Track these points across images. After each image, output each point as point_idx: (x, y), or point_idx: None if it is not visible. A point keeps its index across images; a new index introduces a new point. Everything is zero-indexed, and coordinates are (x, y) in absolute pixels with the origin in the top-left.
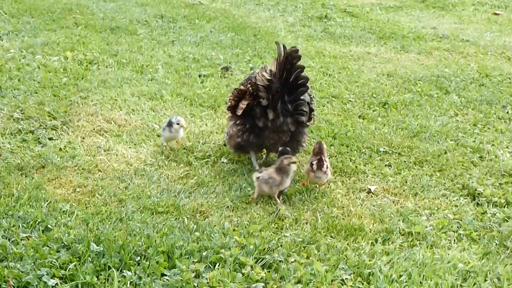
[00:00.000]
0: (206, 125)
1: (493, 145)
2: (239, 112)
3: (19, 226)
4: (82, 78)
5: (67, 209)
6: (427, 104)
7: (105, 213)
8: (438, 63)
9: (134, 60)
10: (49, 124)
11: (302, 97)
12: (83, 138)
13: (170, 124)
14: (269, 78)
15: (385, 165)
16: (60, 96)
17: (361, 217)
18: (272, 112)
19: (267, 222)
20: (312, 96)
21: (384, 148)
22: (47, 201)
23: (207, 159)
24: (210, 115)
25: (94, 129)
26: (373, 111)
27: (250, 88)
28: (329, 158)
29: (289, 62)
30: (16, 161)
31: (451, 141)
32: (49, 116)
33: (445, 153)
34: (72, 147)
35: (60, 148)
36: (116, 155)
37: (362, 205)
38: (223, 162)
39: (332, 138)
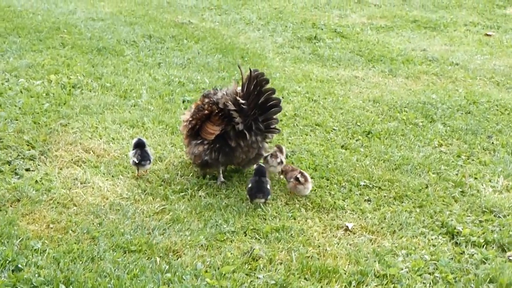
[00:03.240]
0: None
1: (475, 178)
2: (211, 137)
3: None
4: (64, 104)
5: (38, 247)
6: (411, 133)
7: (77, 251)
8: (426, 89)
9: (119, 84)
10: (27, 154)
11: (274, 116)
12: (61, 169)
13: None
14: (243, 101)
15: (365, 200)
16: (40, 123)
17: (337, 257)
18: (247, 133)
19: (241, 263)
20: None
21: (364, 182)
22: (19, 238)
23: (184, 193)
24: None
25: (72, 159)
26: (356, 140)
27: (219, 112)
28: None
29: (258, 84)
30: None
31: (433, 174)
32: (27, 145)
33: (426, 187)
34: (49, 179)
35: (36, 181)
36: (92, 188)
37: (338, 244)
38: (200, 196)
39: (313, 170)
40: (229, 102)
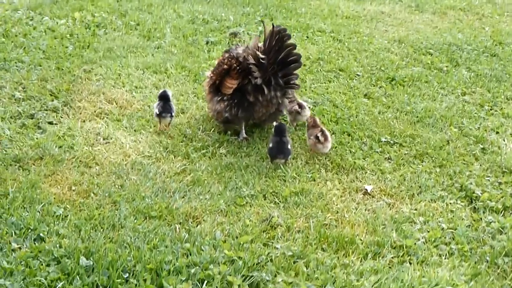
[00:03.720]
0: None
1: (497, 132)
2: (229, 91)
3: (12, 233)
4: (88, 47)
5: (60, 213)
6: (435, 80)
7: (98, 218)
8: (452, 27)
9: (143, 22)
10: (50, 106)
11: (294, 72)
12: (84, 121)
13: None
14: (263, 56)
15: (385, 159)
16: (64, 69)
17: (355, 224)
18: (266, 88)
19: (259, 231)
20: None
21: (385, 138)
22: (41, 203)
23: (205, 150)
24: None
25: (95, 111)
26: (379, 87)
27: (237, 66)
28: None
29: (279, 40)
30: (14, 151)
31: (455, 128)
32: (51, 95)
33: (448, 143)
34: (71, 135)
35: (59, 136)
36: (115, 144)
37: (356, 210)
38: (221, 154)
39: (334, 123)
40: (249, 56)
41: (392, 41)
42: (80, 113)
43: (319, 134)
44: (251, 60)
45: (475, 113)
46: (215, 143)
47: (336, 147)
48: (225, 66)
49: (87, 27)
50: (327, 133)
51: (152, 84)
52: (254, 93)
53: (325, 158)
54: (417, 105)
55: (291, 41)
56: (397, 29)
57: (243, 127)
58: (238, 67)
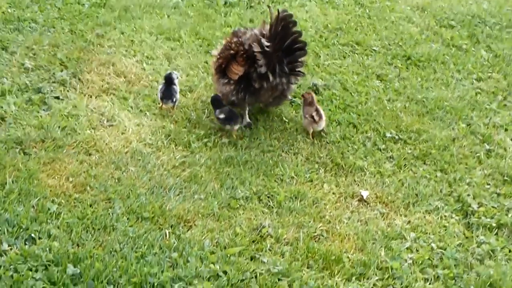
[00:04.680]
0: None
1: (506, 130)
2: (235, 77)
3: (4, 231)
4: (105, 4)
5: (54, 210)
6: (451, 61)
7: (91, 217)
8: None
9: None
10: (58, 77)
11: (299, 60)
12: (90, 97)
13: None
14: (268, 44)
15: (387, 158)
16: (77, 33)
17: (344, 238)
18: (271, 75)
19: (248, 241)
20: None
21: (391, 133)
22: (37, 196)
23: (207, 139)
24: None
25: (102, 86)
26: (395, 67)
27: (244, 53)
28: (330, 144)
29: (284, 27)
30: (17, 132)
31: (463, 123)
32: (60, 64)
33: (453, 141)
34: (76, 115)
35: (64, 115)
36: (118, 128)
37: (348, 220)
38: (223, 143)
39: (342, 111)
40: (255, 43)
41: (415, 9)
42: (88, 88)
43: (314, 114)
44: (256, 48)
45: (487, 104)
46: (218, 131)
47: (339, 142)
48: (232, 51)
49: None
50: (322, 111)
51: (163, 54)
52: (259, 80)
53: (326, 156)
54: (429, 92)
55: (296, 28)
56: None
57: (247, 112)
58: (244, 54)
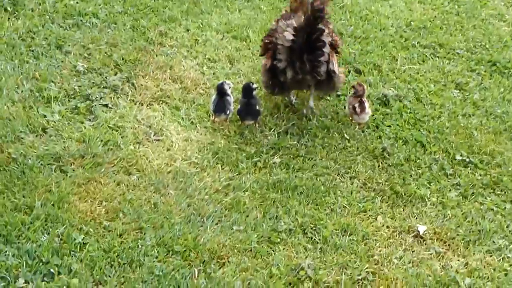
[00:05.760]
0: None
1: None
2: (265, 68)
3: (23, 264)
4: None
5: (79, 242)
6: None
7: (118, 249)
8: None
9: None
10: (110, 82)
11: (320, 59)
12: (141, 105)
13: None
14: (291, 38)
15: (453, 185)
16: (138, 30)
17: (391, 283)
18: (291, 71)
19: (284, 284)
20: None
21: (461, 155)
22: (64, 224)
23: (258, 158)
24: None
25: (155, 93)
26: (477, 74)
27: (271, 46)
28: (392, 167)
29: (312, 22)
30: (56, 147)
31: None
32: (115, 66)
33: None
34: (122, 127)
35: (109, 127)
36: (164, 143)
37: (399, 261)
38: (273, 164)
39: (411, 127)
40: (280, 35)
41: (509, 4)
42: (140, 95)
43: (356, 105)
44: (279, 41)
45: None
46: (270, 149)
47: (402, 165)
48: (267, 41)
49: None
50: (366, 104)
51: (226, 56)
52: (282, 74)
53: (385, 181)
54: (510, 106)
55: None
56: None
57: (289, 96)
58: (271, 46)
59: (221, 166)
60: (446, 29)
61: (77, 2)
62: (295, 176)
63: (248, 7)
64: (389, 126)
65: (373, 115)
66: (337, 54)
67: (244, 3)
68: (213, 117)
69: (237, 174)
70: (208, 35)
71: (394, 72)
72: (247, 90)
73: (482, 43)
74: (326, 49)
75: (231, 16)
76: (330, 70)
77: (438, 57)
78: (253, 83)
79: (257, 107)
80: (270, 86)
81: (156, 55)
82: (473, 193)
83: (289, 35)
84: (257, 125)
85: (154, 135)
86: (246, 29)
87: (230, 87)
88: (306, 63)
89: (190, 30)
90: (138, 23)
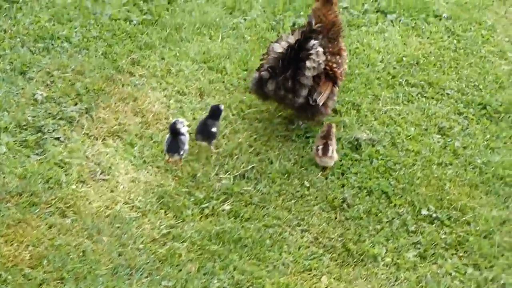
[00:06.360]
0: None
1: None
2: (255, 78)
3: None
4: (156, 21)
5: None
6: None
7: None
8: None
9: None
10: (67, 113)
11: (300, 79)
12: (95, 140)
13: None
14: (279, 51)
15: (412, 244)
16: (110, 57)
17: None
18: (273, 84)
19: None
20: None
21: (428, 209)
22: None
23: (206, 204)
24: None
25: (112, 127)
26: (464, 118)
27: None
28: (349, 220)
29: (303, 41)
30: None
31: None
32: (76, 96)
33: (502, 224)
34: (68, 163)
35: (54, 163)
36: (109, 183)
37: None
38: (223, 211)
39: (379, 176)
40: (271, 46)
41: None
42: (96, 128)
43: (320, 147)
44: (271, 54)
45: None
46: (222, 194)
47: (361, 218)
48: (264, 53)
49: None
50: (331, 147)
51: (197, 89)
52: (266, 85)
53: (339, 237)
54: (493, 155)
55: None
56: None
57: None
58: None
59: (165, 212)
60: (439, 66)
61: (54, 24)
62: (242, 226)
63: (232, 35)
64: (356, 173)
65: (340, 160)
66: (335, 86)
67: (229, 31)
68: (167, 157)
69: (180, 222)
70: (182, 65)
71: (373, 113)
72: (214, 111)
73: (475, 83)
74: (309, 73)
75: (212, 45)
76: (312, 98)
77: (425, 97)
78: (221, 106)
79: (213, 129)
80: (256, 95)
81: (123, 85)
82: (433, 253)
83: (278, 47)
84: (212, 148)
85: (100, 174)
86: (224, 60)
87: (184, 125)
88: (288, 80)
89: (164, 59)
90: (111, 49)
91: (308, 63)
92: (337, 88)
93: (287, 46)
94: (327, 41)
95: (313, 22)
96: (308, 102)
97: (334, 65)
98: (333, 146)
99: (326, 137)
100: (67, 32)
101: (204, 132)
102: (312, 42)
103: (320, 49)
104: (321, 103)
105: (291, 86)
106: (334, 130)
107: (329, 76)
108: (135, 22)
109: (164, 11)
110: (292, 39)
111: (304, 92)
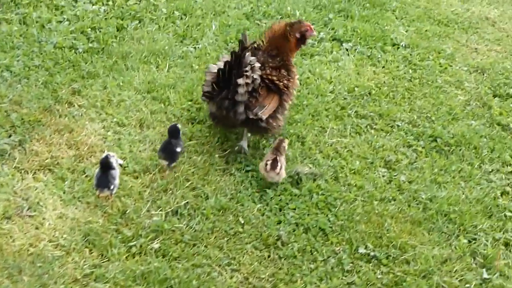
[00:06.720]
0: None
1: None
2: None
3: None
4: (103, 49)
5: None
6: (487, 146)
7: None
8: None
9: (190, 12)
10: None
11: (235, 98)
12: (25, 174)
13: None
14: (213, 71)
15: (346, 284)
16: (50, 87)
17: None
18: (214, 106)
19: None
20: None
21: (366, 247)
22: None
23: (134, 243)
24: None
25: (44, 160)
26: (413, 151)
27: None
28: (283, 259)
29: (235, 59)
30: None
31: (465, 239)
32: (10, 128)
33: (443, 263)
34: None
35: None
36: (35, 220)
37: None
38: (151, 249)
39: (318, 212)
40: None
41: (473, 70)
42: (28, 161)
43: (269, 162)
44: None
45: (510, 211)
46: (151, 232)
47: (295, 257)
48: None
49: (120, 17)
50: (280, 163)
51: (138, 120)
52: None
53: (270, 277)
54: (439, 191)
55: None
56: (490, 47)
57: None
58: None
59: (90, 251)
60: (392, 97)
61: None
62: (170, 266)
63: (180, 64)
64: (294, 209)
65: (279, 195)
66: (283, 99)
67: (177, 60)
68: (97, 192)
69: (105, 261)
70: (125, 95)
71: (318, 146)
72: (172, 132)
73: (428, 114)
74: (242, 89)
75: (158, 74)
76: (253, 112)
77: (374, 129)
78: (178, 125)
79: (178, 149)
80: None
81: (60, 116)
82: None
83: (213, 67)
84: (167, 171)
85: (27, 210)
86: (169, 90)
87: (116, 160)
88: (225, 99)
89: (107, 88)
90: (52, 78)
91: (240, 80)
92: (288, 100)
93: (219, 69)
94: (267, 57)
95: (246, 40)
96: (251, 121)
97: (275, 78)
98: (281, 162)
99: (276, 152)
100: (8, 61)
101: (166, 150)
102: (249, 58)
103: (257, 64)
104: (264, 117)
105: (228, 105)
106: (285, 145)
107: (272, 89)
108: (80, 50)
109: (112, 39)
110: (227, 59)
111: (241, 109)
